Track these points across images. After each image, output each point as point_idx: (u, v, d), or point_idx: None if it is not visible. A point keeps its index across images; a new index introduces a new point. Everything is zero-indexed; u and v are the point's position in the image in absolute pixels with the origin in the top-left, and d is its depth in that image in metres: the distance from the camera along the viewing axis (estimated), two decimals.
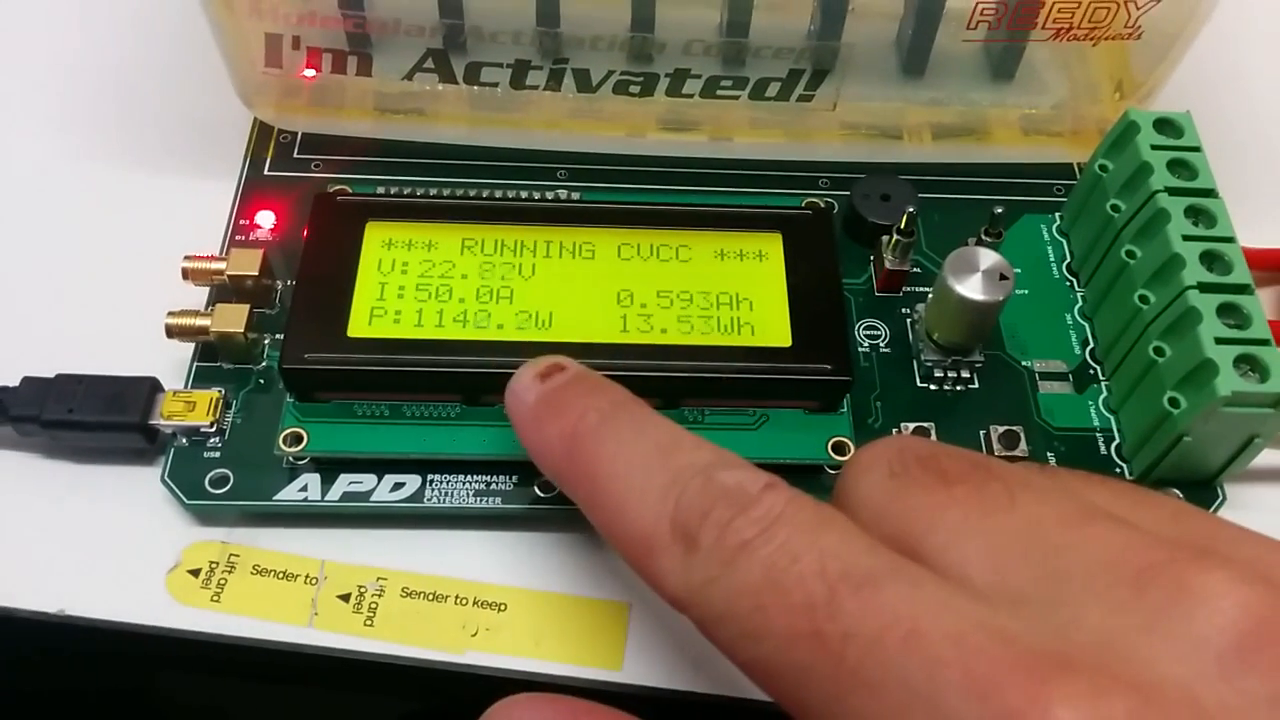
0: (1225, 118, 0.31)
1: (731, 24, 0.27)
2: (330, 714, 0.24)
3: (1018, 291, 0.26)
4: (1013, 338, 0.26)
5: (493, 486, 0.23)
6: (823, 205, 0.26)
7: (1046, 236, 0.28)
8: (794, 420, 0.23)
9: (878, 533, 0.16)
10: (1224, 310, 0.22)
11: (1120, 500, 0.16)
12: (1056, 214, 0.28)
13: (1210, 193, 0.24)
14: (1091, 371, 0.25)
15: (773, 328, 0.23)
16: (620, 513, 0.17)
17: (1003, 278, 0.23)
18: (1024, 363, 0.25)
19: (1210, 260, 0.23)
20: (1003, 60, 0.29)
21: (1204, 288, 0.22)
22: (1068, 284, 0.27)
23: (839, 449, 0.23)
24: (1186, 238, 0.23)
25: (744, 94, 0.28)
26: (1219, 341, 0.22)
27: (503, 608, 0.22)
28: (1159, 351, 0.23)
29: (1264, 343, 0.22)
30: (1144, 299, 0.24)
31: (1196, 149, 0.25)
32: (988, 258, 0.23)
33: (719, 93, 0.27)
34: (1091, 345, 0.26)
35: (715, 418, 0.23)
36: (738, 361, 0.23)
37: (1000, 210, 0.25)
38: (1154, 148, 0.24)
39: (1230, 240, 0.23)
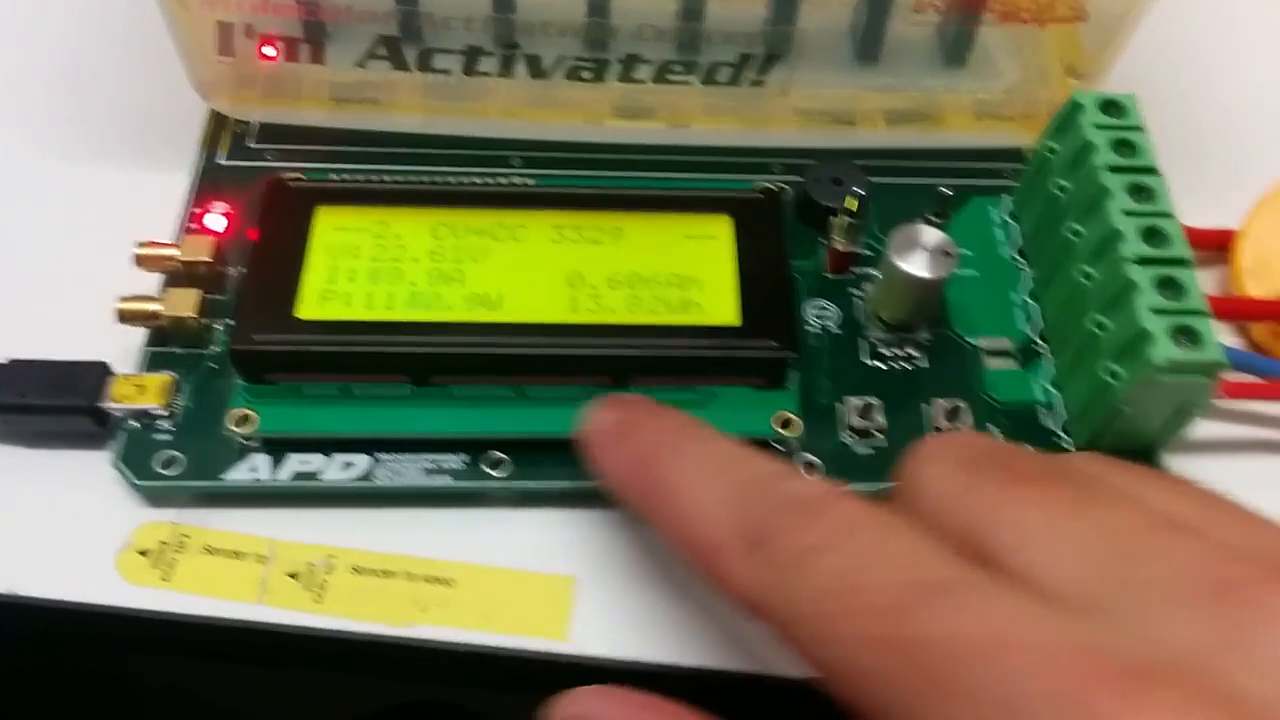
0: (1181, 98, 0.31)
1: (686, 9, 0.27)
2: (286, 692, 0.24)
3: (967, 272, 0.27)
4: (961, 317, 0.26)
5: (442, 465, 0.23)
6: (775, 189, 0.26)
7: (996, 219, 0.28)
8: (742, 397, 0.24)
9: (943, 526, 0.16)
10: (1162, 283, 0.22)
11: (1182, 500, 0.16)
12: (1007, 196, 0.28)
13: (1151, 170, 0.24)
14: (1038, 350, 0.26)
15: (721, 307, 0.24)
16: (689, 520, 0.17)
17: (946, 255, 0.23)
18: (971, 341, 0.26)
19: (1149, 235, 0.23)
20: (955, 45, 0.29)
21: (1142, 261, 0.23)
22: (1017, 266, 0.27)
23: (786, 424, 0.23)
24: (1127, 213, 0.23)
25: (697, 79, 0.28)
26: (1155, 312, 0.22)
27: (451, 583, 0.22)
28: (1100, 326, 0.23)
29: (1200, 313, 0.22)
30: (1087, 275, 0.24)
31: (1139, 128, 0.25)
32: (931, 235, 0.23)
33: (671, 78, 0.28)
34: (1040, 325, 0.26)
35: (665, 395, 0.23)
36: (685, 339, 0.23)
37: (948, 193, 0.25)
38: (1098, 127, 0.25)
39: (1168, 215, 0.23)
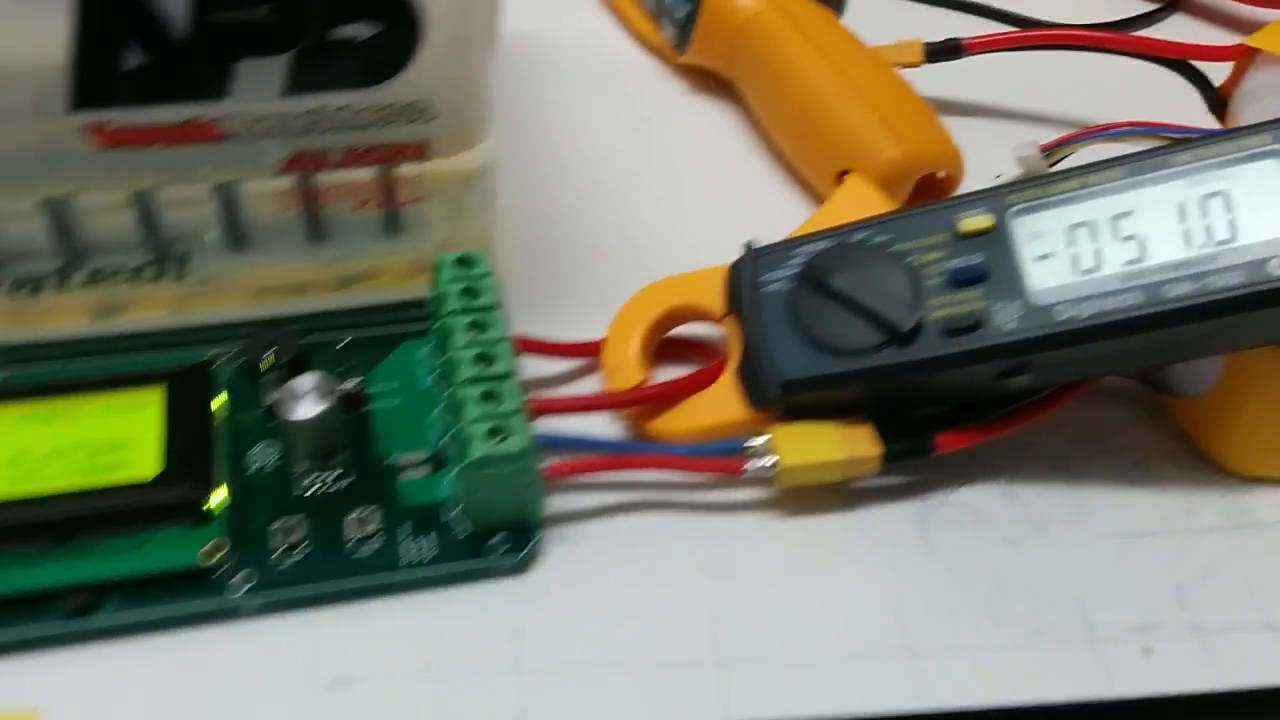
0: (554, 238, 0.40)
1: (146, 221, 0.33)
2: None
3: (392, 402, 0.33)
4: (383, 439, 0.32)
5: None
6: (207, 359, 0.32)
7: (419, 356, 0.35)
8: (174, 537, 0.29)
9: None
10: (484, 396, 0.29)
11: None
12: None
13: (490, 308, 0.31)
14: (444, 459, 0.32)
15: (145, 464, 0.29)
16: None
17: (325, 394, 0.30)
18: (388, 460, 0.32)
19: (479, 359, 0.30)
20: (389, 220, 0.36)
21: (470, 381, 0.29)
22: (434, 392, 0.33)
23: (212, 552, 0.29)
24: (462, 345, 0.30)
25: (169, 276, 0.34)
26: (475, 420, 0.29)
27: None
28: (456, 434, 0.30)
29: (513, 414, 0.29)
30: (451, 395, 0.30)
31: (486, 275, 0.32)
32: (306, 382, 0.30)
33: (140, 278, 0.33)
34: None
35: (106, 544, 0.28)
36: (110, 499, 0.28)
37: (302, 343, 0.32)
38: (450, 280, 0.32)
39: (501, 341, 0.30)
